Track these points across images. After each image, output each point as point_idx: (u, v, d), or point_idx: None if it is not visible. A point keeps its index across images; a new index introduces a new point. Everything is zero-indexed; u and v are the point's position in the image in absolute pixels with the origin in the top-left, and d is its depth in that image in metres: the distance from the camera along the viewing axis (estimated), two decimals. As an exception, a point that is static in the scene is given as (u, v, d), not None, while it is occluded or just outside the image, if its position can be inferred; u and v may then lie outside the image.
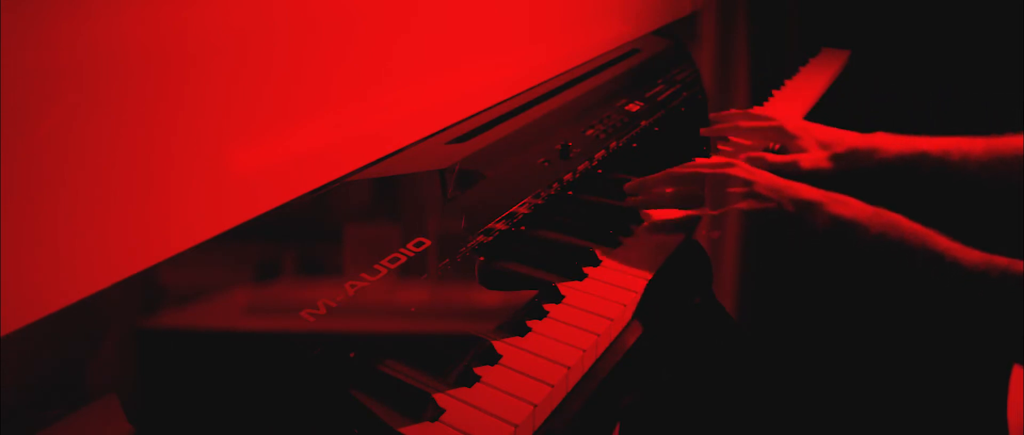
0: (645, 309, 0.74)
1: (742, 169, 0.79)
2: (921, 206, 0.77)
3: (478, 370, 0.61)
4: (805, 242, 0.73)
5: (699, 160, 0.84)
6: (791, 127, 0.99)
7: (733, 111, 1.08)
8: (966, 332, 0.68)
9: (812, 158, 0.95)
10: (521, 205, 0.82)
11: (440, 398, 0.58)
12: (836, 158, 0.94)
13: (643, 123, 1.08)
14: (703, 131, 1.07)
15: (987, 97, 1.41)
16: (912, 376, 0.96)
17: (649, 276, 0.76)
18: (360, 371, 0.61)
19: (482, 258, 0.76)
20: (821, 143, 0.96)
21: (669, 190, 0.83)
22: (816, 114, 1.34)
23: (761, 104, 1.28)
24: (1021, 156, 0.85)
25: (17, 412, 0.47)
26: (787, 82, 1.40)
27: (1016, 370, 0.78)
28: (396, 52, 0.78)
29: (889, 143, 0.93)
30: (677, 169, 0.84)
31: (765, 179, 0.78)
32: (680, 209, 0.84)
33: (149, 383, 0.52)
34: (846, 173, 0.94)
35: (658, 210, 0.86)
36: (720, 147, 1.07)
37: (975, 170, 0.89)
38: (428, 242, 0.70)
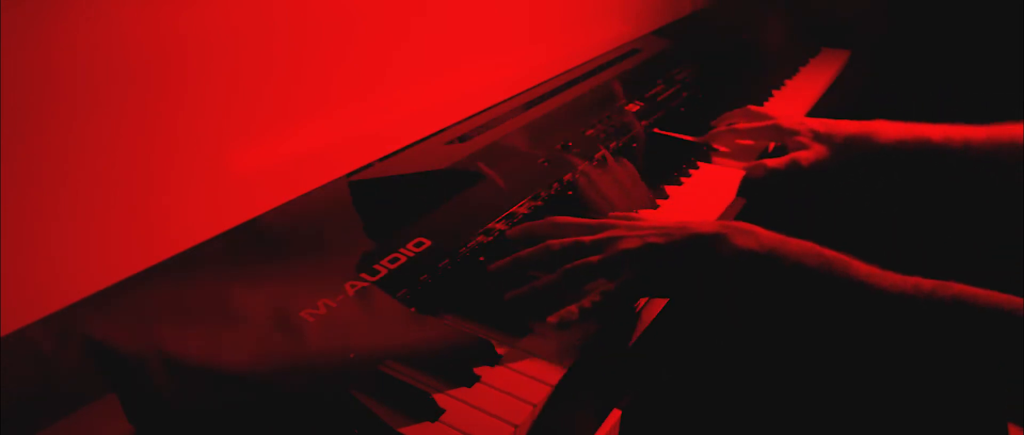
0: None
1: (623, 229, 0.67)
2: (920, 193, 0.76)
3: (478, 370, 0.61)
4: (718, 278, 0.63)
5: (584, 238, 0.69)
6: (788, 124, 0.98)
7: (735, 111, 1.08)
8: (901, 360, 0.62)
9: (812, 153, 0.94)
10: (521, 205, 0.83)
11: (440, 398, 0.58)
12: (835, 148, 0.94)
13: (643, 123, 1.09)
14: (702, 138, 1.07)
15: (988, 97, 1.41)
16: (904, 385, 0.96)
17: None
18: (360, 371, 0.61)
19: (482, 258, 0.76)
20: (819, 135, 0.96)
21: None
22: (816, 114, 1.34)
23: (761, 104, 1.28)
24: (1022, 144, 0.85)
25: (17, 412, 0.47)
26: (787, 82, 1.40)
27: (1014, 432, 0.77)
28: (396, 52, 0.78)
29: (889, 129, 0.93)
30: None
31: (647, 233, 0.66)
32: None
33: (149, 383, 0.52)
34: (848, 163, 0.94)
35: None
36: (717, 147, 1.07)
37: (976, 157, 0.88)
38: (428, 242, 0.70)
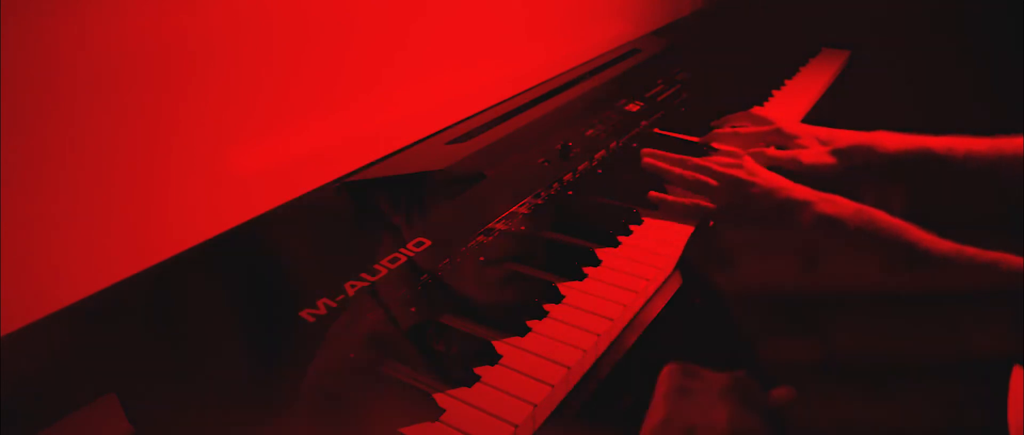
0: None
1: (745, 171, 0.82)
2: (923, 204, 0.78)
3: (478, 370, 0.61)
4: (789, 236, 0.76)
5: (715, 157, 0.87)
6: (789, 129, 0.99)
7: (737, 114, 1.08)
8: (944, 322, 0.71)
9: (813, 153, 0.95)
10: (521, 205, 0.82)
11: (440, 398, 0.58)
12: (837, 153, 0.94)
13: (643, 123, 1.08)
14: (702, 138, 1.07)
15: (988, 98, 1.41)
16: (909, 376, 0.96)
17: (649, 276, 0.76)
18: (360, 371, 0.61)
19: (482, 258, 0.76)
20: (821, 141, 0.96)
21: (684, 173, 0.86)
22: (815, 114, 1.34)
23: (761, 104, 1.28)
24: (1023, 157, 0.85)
25: (17, 412, 0.47)
26: (787, 82, 1.40)
27: (1016, 371, 0.78)
28: (396, 52, 0.78)
29: (891, 140, 0.93)
30: (694, 160, 0.87)
31: (763, 179, 0.80)
32: (689, 196, 0.87)
33: (149, 383, 0.52)
34: (848, 170, 0.94)
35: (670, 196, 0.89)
36: (717, 147, 1.07)
37: (979, 168, 0.88)
38: (428, 242, 0.70)
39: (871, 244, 0.71)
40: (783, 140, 0.99)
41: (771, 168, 0.94)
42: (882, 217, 0.72)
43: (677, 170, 0.86)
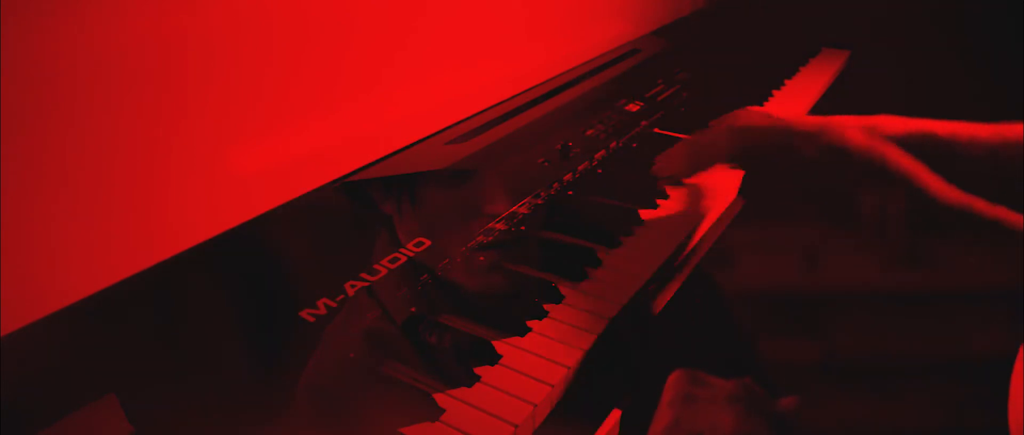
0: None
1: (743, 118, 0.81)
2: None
3: (478, 370, 0.61)
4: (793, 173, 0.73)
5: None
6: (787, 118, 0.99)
7: (735, 112, 1.08)
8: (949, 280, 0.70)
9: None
10: (521, 205, 0.83)
11: (440, 398, 0.58)
12: None
13: (643, 123, 1.08)
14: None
15: (988, 98, 1.40)
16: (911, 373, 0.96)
17: (649, 276, 0.75)
18: (360, 371, 0.61)
19: (482, 258, 0.76)
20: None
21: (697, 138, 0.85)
22: (816, 114, 1.34)
23: (761, 104, 1.28)
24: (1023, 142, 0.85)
25: (17, 412, 0.47)
26: (787, 82, 1.40)
27: (1016, 371, 0.78)
28: (396, 52, 0.78)
29: (893, 123, 0.93)
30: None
31: (769, 117, 0.79)
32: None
33: (149, 383, 0.52)
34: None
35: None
36: None
37: (981, 154, 0.88)
38: (428, 242, 0.70)
39: (880, 181, 0.69)
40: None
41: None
42: (893, 152, 0.71)
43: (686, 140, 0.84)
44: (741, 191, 0.94)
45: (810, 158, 0.71)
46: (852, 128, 0.72)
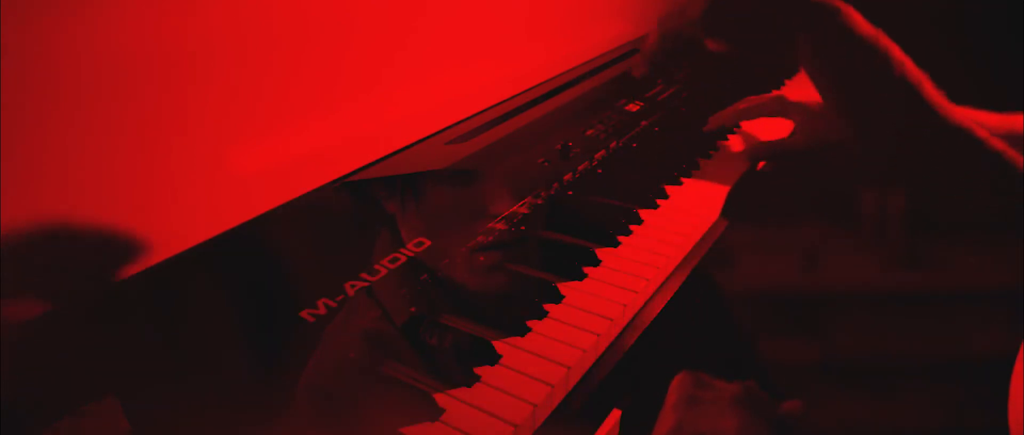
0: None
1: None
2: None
3: (478, 370, 0.61)
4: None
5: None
6: (793, 97, 0.99)
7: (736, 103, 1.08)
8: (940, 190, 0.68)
9: (821, 123, 0.95)
10: (521, 205, 0.83)
11: (440, 398, 0.58)
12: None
13: (643, 123, 1.08)
14: (710, 122, 1.08)
15: (988, 98, 1.40)
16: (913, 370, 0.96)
17: (649, 276, 0.76)
18: (360, 371, 0.61)
19: (482, 258, 0.76)
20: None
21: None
22: (816, 114, 1.34)
23: (761, 104, 1.28)
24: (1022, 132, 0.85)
25: (17, 412, 0.47)
26: (787, 82, 1.40)
27: (1016, 371, 0.78)
28: (396, 52, 0.78)
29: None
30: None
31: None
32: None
33: (149, 383, 0.52)
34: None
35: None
36: (729, 137, 1.08)
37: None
38: (428, 242, 0.70)
39: (882, 78, 0.68)
40: (786, 108, 1.01)
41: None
42: (900, 54, 0.69)
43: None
44: (723, 212, 0.94)
45: (818, 40, 0.72)
46: (862, 20, 0.72)
